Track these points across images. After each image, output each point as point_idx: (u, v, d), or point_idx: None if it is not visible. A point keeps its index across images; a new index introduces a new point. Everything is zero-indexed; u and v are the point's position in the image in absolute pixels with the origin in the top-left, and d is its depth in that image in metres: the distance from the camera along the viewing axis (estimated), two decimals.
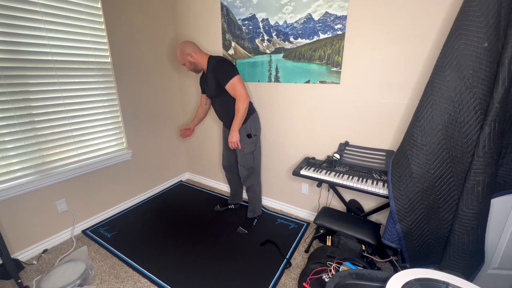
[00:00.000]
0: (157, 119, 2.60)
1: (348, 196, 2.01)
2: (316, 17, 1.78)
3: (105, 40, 2.03)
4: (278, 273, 1.67)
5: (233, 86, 1.76)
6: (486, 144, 1.14)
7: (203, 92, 2.13)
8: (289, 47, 1.95)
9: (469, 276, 1.35)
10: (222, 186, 2.83)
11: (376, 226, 1.69)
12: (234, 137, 1.83)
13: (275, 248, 1.88)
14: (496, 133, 1.12)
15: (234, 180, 2.34)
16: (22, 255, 1.79)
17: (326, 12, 1.74)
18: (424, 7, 1.44)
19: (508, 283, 1.44)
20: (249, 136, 1.94)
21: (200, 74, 2.15)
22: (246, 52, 2.16)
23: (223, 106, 1.93)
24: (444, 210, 1.32)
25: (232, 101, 1.85)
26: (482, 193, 1.19)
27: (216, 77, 1.78)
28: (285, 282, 1.62)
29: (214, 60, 1.80)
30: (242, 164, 2.02)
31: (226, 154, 2.23)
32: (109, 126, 2.19)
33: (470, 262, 1.31)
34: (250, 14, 2.05)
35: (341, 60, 1.77)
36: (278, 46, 2.00)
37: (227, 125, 2.04)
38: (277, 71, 2.06)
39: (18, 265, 1.69)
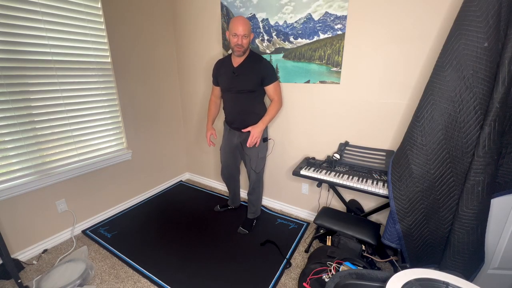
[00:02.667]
0: (157, 119, 2.60)
1: (348, 196, 2.01)
2: (316, 17, 1.78)
3: (105, 40, 2.03)
4: (278, 273, 1.67)
5: (275, 87, 1.82)
6: (486, 144, 1.14)
7: (218, 84, 1.95)
8: (289, 47, 1.95)
9: (469, 276, 1.35)
10: (222, 186, 2.83)
11: (376, 226, 1.69)
12: (259, 133, 1.73)
13: (275, 248, 1.88)
14: (496, 133, 1.12)
15: (234, 186, 2.31)
16: (22, 255, 1.79)
17: (326, 12, 1.74)
18: (424, 7, 1.44)
19: (508, 283, 1.44)
20: (264, 140, 1.92)
21: (219, 63, 1.92)
22: None
23: (247, 102, 1.82)
24: (444, 210, 1.32)
25: (257, 100, 1.86)
26: (482, 193, 1.19)
27: (265, 72, 1.75)
28: (285, 282, 1.62)
29: (259, 55, 1.83)
30: (254, 168, 1.98)
31: (226, 163, 2.12)
32: (109, 126, 2.19)
33: (470, 262, 1.31)
34: (250, 14, 2.05)
35: (341, 60, 1.77)
36: (278, 46, 2.00)
37: (240, 125, 1.87)
38: (277, 71, 2.06)
39: (18, 265, 1.69)
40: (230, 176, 2.21)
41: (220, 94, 2.01)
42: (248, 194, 2.15)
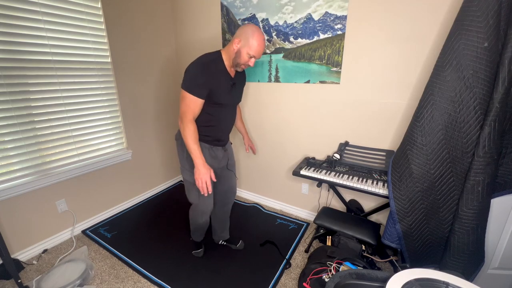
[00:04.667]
0: (157, 119, 2.60)
1: (348, 196, 2.01)
2: (316, 17, 1.78)
3: (105, 40, 2.03)
4: (278, 273, 1.67)
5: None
6: (486, 144, 1.14)
7: (202, 97, 1.36)
8: (289, 47, 1.95)
9: (469, 276, 1.35)
10: None
11: (376, 226, 1.69)
12: None
13: (275, 248, 1.88)
14: (496, 133, 1.12)
15: (216, 215, 1.84)
16: (22, 255, 1.79)
17: (326, 12, 1.74)
18: (424, 7, 1.44)
19: (508, 283, 1.43)
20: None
21: (213, 67, 1.40)
22: None
23: (235, 113, 1.61)
24: (444, 210, 1.32)
25: None
26: (482, 193, 1.19)
27: (244, 79, 1.64)
28: (285, 282, 1.62)
29: None
30: (235, 172, 1.74)
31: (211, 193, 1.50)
32: (109, 126, 2.18)
33: (470, 262, 1.31)
34: (250, 14, 2.05)
35: (341, 60, 1.77)
36: (278, 46, 2.00)
37: (226, 139, 1.62)
38: (277, 71, 2.06)
39: (18, 265, 1.69)
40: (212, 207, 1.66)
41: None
42: (226, 210, 1.83)
